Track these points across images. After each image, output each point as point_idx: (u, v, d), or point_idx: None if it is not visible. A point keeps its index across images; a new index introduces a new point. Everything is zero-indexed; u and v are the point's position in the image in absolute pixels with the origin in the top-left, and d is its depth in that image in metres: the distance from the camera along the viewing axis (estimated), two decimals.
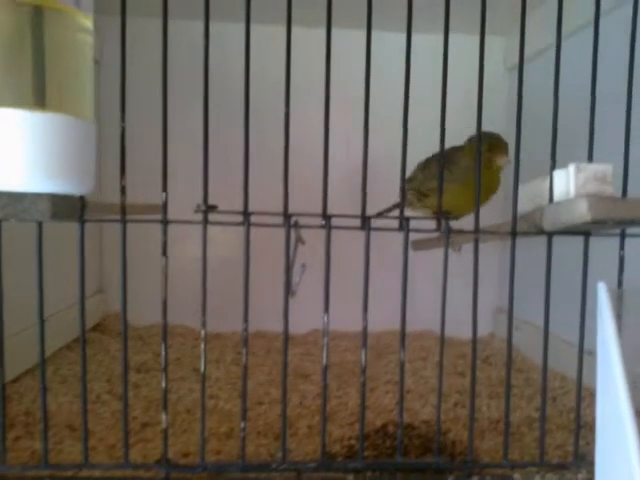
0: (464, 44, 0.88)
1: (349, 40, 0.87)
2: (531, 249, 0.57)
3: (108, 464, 0.58)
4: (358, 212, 0.52)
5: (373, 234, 0.53)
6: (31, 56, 0.44)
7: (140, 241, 0.50)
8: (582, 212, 0.46)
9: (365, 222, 0.52)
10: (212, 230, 0.53)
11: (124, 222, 0.49)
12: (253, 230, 0.51)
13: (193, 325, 1.25)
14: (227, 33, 0.87)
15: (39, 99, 0.44)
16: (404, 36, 0.51)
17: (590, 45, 0.55)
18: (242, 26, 0.50)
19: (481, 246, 0.56)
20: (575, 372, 0.56)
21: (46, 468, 0.54)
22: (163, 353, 0.53)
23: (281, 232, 0.52)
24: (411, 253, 0.59)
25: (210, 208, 0.49)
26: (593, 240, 0.56)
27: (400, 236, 0.54)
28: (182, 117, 1.05)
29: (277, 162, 0.54)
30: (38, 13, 0.44)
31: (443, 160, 0.53)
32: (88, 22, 0.46)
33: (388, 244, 0.65)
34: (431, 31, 0.56)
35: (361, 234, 0.53)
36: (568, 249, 0.57)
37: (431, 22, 0.55)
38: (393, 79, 0.57)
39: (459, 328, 0.58)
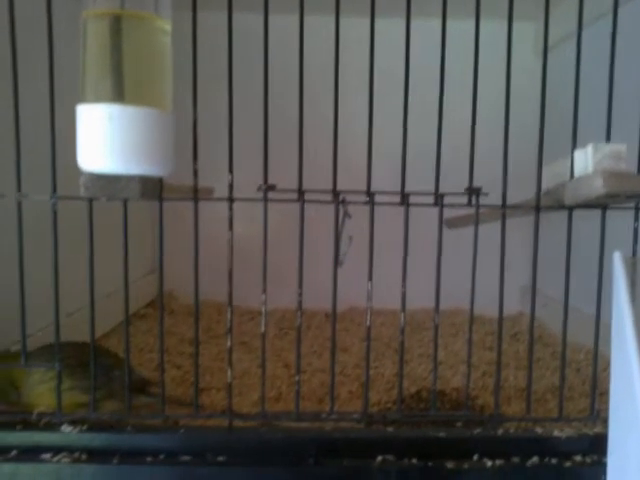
0: (494, 30, 0.92)
1: (388, 27, 0.92)
2: (560, 230, 0.62)
3: (181, 414, 0.66)
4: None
5: (413, 214, 0.60)
6: (111, 58, 0.52)
7: (190, 222, 0.57)
8: (597, 186, 0.53)
9: (404, 198, 0.58)
10: (250, 210, 0.59)
11: (196, 201, 0.57)
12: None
13: (238, 303, 1.33)
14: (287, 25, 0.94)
15: (118, 95, 0.52)
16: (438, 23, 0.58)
17: (619, 29, 0.60)
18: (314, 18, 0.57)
19: (511, 227, 0.61)
20: (600, 346, 0.62)
21: (129, 417, 0.63)
22: (229, 316, 0.61)
23: (328, 207, 0.59)
24: (446, 232, 0.65)
25: (269, 187, 0.57)
26: (616, 217, 0.61)
27: (437, 216, 0.60)
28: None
29: (327, 144, 0.60)
30: (118, 21, 0.52)
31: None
32: (166, 25, 0.54)
33: (426, 226, 0.68)
34: (464, 18, 0.62)
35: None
36: (593, 228, 0.62)
37: (461, 9, 0.61)
38: (432, 65, 0.62)
39: (489, 307, 0.64)
